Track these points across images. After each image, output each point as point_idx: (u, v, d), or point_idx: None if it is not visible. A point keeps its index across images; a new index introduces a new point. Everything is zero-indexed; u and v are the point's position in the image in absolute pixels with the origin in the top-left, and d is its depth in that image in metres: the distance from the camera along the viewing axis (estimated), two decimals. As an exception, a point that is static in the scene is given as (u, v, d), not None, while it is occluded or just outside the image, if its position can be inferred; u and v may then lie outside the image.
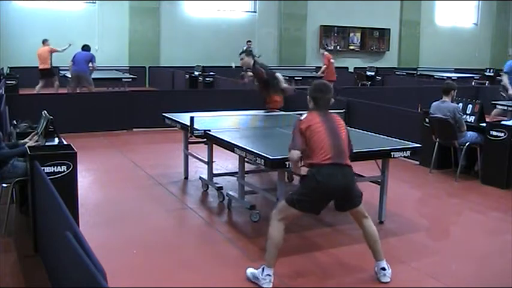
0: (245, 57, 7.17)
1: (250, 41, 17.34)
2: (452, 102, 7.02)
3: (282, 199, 4.65)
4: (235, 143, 5.04)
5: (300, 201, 3.86)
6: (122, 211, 5.56)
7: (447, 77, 15.36)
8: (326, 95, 4.04)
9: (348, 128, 6.33)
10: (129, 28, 17.60)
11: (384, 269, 4.00)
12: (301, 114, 4.04)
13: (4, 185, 4.76)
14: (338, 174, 3.82)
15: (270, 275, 3.85)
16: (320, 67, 19.41)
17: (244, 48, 17.18)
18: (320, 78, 13.73)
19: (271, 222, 3.95)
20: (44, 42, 13.68)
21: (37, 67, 13.91)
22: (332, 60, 14.29)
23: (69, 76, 12.46)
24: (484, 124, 7.03)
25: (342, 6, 20.36)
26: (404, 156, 5.31)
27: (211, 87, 14.17)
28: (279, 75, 7.19)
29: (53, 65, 13.85)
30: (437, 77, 16.96)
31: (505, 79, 10.63)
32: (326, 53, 14.78)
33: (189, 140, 6.56)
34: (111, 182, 6.69)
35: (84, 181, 6.39)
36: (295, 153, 3.88)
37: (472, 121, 7.16)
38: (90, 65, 11.95)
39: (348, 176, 3.89)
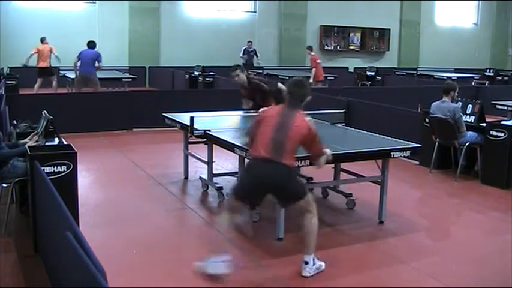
0: (241, 74, 6.69)
1: (250, 41, 17.34)
2: (452, 102, 7.02)
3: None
4: (235, 143, 5.03)
5: (235, 190, 4.06)
6: (122, 211, 5.56)
7: (447, 77, 15.37)
8: (298, 90, 4.09)
9: (348, 128, 6.41)
10: (129, 28, 17.60)
11: (306, 263, 4.03)
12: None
13: (4, 185, 4.75)
14: (269, 170, 3.87)
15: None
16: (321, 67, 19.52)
17: (243, 48, 17.13)
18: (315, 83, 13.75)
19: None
20: (43, 40, 13.65)
21: (38, 67, 13.93)
22: (319, 61, 14.21)
23: (73, 76, 12.42)
24: (484, 124, 7.03)
25: (342, 6, 20.35)
26: (404, 156, 5.31)
27: (211, 87, 14.17)
28: (282, 86, 6.36)
29: (53, 64, 13.91)
30: (437, 77, 16.96)
31: None
32: (313, 53, 14.39)
33: (189, 140, 6.56)
34: (111, 182, 6.69)
35: (84, 181, 6.39)
36: (244, 141, 4.25)
37: (472, 121, 7.16)
38: (97, 64, 11.78)
39: (278, 174, 3.88)
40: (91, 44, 11.93)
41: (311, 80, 13.77)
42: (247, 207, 4.32)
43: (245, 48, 17.16)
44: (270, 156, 3.85)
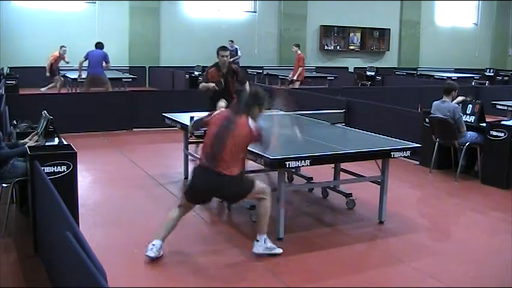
0: (229, 56, 7.26)
1: (232, 41, 16.87)
2: (452, 102, 7.02)
3: (283, 199, 4.68)
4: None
5: (185, 192, 4.35)
6: (122, 211, 5.56)
7: (447, 77, 15.38)
8: (250, 98, 4.25)
9: (348, 128, 6.41)
10: (129, 28, 17.60)
11: (257, 241, 4.33)
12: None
13: (4, 185, 4.75)
14: (206, 179, 4.13)
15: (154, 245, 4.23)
16: (320, 67, 19.55)
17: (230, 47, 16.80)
18: (293, 82, 13.72)
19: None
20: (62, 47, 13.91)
21: (37, 67, 13.97)
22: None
23: (74, 77, 12.55)
24: (484, 124, 7.03)
25: (342, 6, 20.35)
26: (404, 156, 5.31)
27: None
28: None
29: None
30: (437, 77, 16.97)
31: None
32: (300, 52, 14.21)
33: (189, 140, 6.55)
34: (111, 182, 6.69)
35: (84, 181, 6.39)
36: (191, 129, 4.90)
37: (472, 121, 7.16)
38: (105, 64, 11.81)
39: (215, 183, 4.12)
40: (99, 45, 11.93)
41: (294, 78, 13.70)
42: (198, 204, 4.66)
43: (236, 48, 16.92)
44: (208, 165, 4.10)
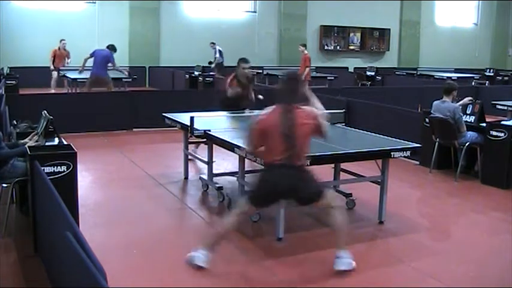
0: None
1: (213, 43, 16.69)
2: (452, 102, 7.02)
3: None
4: (235, 143, 5.03)
5: (251, 196, 4.06)
6: (121, 211, 5.56)
7: (447, 77, 15.37)
8: (288, 85, 4.00)
9: (348, 128, 6.41)
10: (129, 28, 17.60)
11: (338, 257, 4.08)
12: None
13: (4, 185, 4.75)
14: (284, 175, 3.88)
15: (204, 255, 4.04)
16: (320, 67, 19.53)
17: (218, 50, 16.52)
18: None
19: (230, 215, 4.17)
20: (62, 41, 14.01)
21: (37, 67, 13.99)
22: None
23: (74, 76, 12.63)
24: (484, 124, 7.03)
25: (342, 6, 20.35)
26: (404, 156, 5.31)
27: (211, 87, 14.17)
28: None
29: (66, 64, 14.25)
30: (437, 77, 16.97)
31: None
32: (306, 52, 14.32)
33: (189, 140, 6.56)
34: (111, 182, 6.69)
35: (84, 181, 6.39)
36: (247, 149, 4.21)
37: (472, 121, 7.16)
38: (110, 65, 11.85)
39: (294, 178, 3.90)
40: (110, 47, 11.91)
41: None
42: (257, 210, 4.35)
43: (219, 50, 16.65)
44: (285, 161, 3.86)
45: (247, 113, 6.87)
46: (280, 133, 3.85)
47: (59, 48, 13.92)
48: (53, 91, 13.15)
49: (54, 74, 13.85)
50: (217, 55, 16.38)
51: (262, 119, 3.99)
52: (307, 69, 13.77)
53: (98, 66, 11.68)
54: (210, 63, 16.13)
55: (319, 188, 4.05)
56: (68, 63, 14.04)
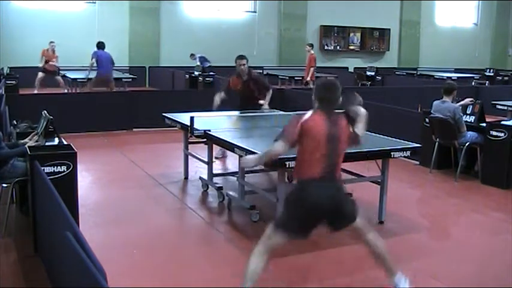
0: (247, 64, 7.30)
1: (193, 54, 16.28)
2: (452, 102, 7.02)
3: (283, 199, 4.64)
4: (235, 143, 5.04)
5: (284, 222, 3.43)
6: (121, 211, 5.56)
7: (447, 77, 15.38)
8: (329, 92, 3.59)
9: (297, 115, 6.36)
10: (129, 28, 17.60)
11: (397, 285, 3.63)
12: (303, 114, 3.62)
13: (4, 185, 4.75)
14: (327, 191, 3.43)
15: None
16: (320, 67, 19.48)
17: (199, 56, 16.08)
18: (306, 83, 13.75)
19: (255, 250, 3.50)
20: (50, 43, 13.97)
21: (37, 67, 13.98)
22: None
23: (74, 77, 12.74)
24: (484, 124, 7.03)
25: (342, 6, 20.34)
26: (404, 156, 5.31)
27: (211, 87, 14.17)
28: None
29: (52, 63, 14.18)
30: (437, 77, 16.97)
31: None
32: (312, 52, 14.33)
33: (189, 140, 6.56)
34: (111, 182, 6.69)
35: (84, 181, 6.39)
36: (280, 146, 3.48)
37: (472, 121, 7.16)
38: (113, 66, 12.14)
39: (337, 194, 3.48)
40: (101, 45, 12.07)
41: (308, 79, 13.78)
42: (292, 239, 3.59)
43: (199, 57, 16.19)
44: (326, 175, 3.40)
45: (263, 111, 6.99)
46: (325, 140, 3.40)
47: (48, 50, 13.92)
48: (36, 91, 13.15)
49: (40, 74, 13.87)
50: (198, 63, 15.85)
51: (306, 119, 3.48)
52: (312, 69, 13.79)
53: (106, 66, 11.86)
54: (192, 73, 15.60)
55: (356, 207, 3.61)
56: (53, 61, 13.96)
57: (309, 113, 3.55)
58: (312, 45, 14.65)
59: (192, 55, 16.22)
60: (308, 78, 13.77)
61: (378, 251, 3.61)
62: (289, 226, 3.43)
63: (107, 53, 12.02)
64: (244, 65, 7.22)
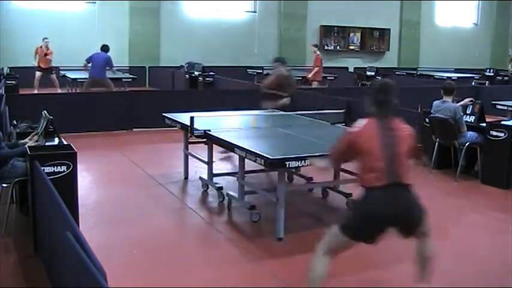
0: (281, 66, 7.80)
1: (182, 66, 16.29)
2: (453, 102, 7.02)
3: (283, 199, 4.64)
4: (235, 143, 5.04)
5: (351, 228, 3.35)
6: (121, 211, 5.56)
7: (447, 77, 15.36)
8: (383, 95, 3.37)
9: (348, 128, 6.40)
10: (129, 28, 17.59)
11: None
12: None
13: (4, 185, 4.75)
14: (396, 197, 3.29)
15: None
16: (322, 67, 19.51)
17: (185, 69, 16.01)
18: (306, 81, 13.75)
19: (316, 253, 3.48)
20: (44, 39, 14.00)
21: (37, 67, 14.00)
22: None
23: (74, 77, 12.74)
24: (484, 124, 7.03)
25: (342, 6, 20.34)
26: (404, 156, 5.29)
27: (211, 87, 14.17)
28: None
29: (54, 64, 14.27)
30: (437, 77, 16.96)
31: None
32: (318, 52, 14.31)
33: (189, 140, 6.56)
34: (111, 182, 6.69)
35: (84, 181, 6.39)
36: (326, 163, 3.65)
37: (472, 121, 7.16)
38: (108, 68, 12.02)
39: (406, 199, 3.37)
40: (105, 48, 12.08)
41: (309, 76, 13.78)
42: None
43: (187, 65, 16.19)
44: (388, 183, 3.26)
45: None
46: (380, 149, 3.27)
47: (41, 47, 13.93)
48: (35, 91, 13.17)
49: (37, 73, 13.90)
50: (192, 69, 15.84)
51: (358, 131, 3.36)
52: (317, 68, 13.80)
53: (96, 69, 11.82)
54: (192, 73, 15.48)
55: (423, 212, 3.49)
56: (47, 55, 13.99)
57: (361, 123, 3.39)
58: (317, 46, 14.68)
59: (181, 66, 16.25)
60: (310, 76, 13.78)
61: (427, 256, 3.57)
62: (354, 232, 3.37)
63: (103, 55, 11.94)
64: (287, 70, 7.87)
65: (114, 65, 12.45)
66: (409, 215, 3.37)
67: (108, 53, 12.09)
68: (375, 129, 3.31)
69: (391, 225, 3.35)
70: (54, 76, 14.00)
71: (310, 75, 13.78)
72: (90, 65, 11.93)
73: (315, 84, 13.67)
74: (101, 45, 12.21)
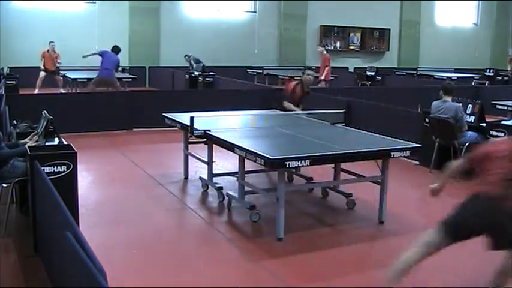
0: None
1: (188, 56, 16.05)
2: (452, 102, 7.02)
3: (283, 199, 4.64)
4: (235, 143, 5.04)
5: (451, 225, 3.65)
6: (121, 211, 5.56)
7: (447, 77, 15.37)
8: None
9: (348, 128, 6.41)
10: (129, 28, 17.59)
11: None
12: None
13: (4, 185, 4.75)
14: (500, 210, 3.52)
15: None
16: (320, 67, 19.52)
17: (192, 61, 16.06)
18: (318, 82, 13.72)
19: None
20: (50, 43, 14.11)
21: (37, 67, 14.03)
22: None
23: (74, 77, 12.83)
24: (484, 124, 7.03)
25: (342, 6, 20.34)
26: (404, 156, 5.31)
27: (211, 87, 14.17)
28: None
29: (57, 65, 14.34)
30: (437, 77, 16.96)
31: None
32: (325, 52, 14.41)
33: (189, 140, 6.56)
34: (111, 182, 6.69)
35: (84, 181, 6.39)
36: (459, 163, 3.91)
37: (472, 121, 7.16)
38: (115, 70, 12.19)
39: (503, 216, 3.53)
40: (116, 49, 12.09)
41: (322, 78, 13.74)
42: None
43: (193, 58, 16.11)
44: (499, 194, 3.50)
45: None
46: (506, 164, 3.51)
47: (48, 51, 13.98)
48: (36, 91, 13.18)
49: (41, 74, 13.93)
50: (194, 64, 15.72)
51: (492, 150, 3.67)
52: (327, 68, 13.79)
53: (106, 68, 11.80)
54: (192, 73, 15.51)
55: None
56: (59, 63, 14.09)
57: (500, 140, 3.65)
58: (324, 46, 14.67)
59: (187, 56, 16.20)
60: (322, 77, 13.77)
61: (507, 271, 3.78)
62: (452, 230, 3.67)
63: (115, 57, 11.95)
64: (312, 75, 7.65)
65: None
66: (504, 231, 3.58)
67: (118, 55, 12.11)
68: (507, 147, 3.57)
69: (486, 234, 3.62)
70: (59, 76, 14.03)
71: (322, 77, 13.76)
72: (98, 59, 11.88)
73: (323, 84, 13.67)
74: (106, 44, 12.25)
